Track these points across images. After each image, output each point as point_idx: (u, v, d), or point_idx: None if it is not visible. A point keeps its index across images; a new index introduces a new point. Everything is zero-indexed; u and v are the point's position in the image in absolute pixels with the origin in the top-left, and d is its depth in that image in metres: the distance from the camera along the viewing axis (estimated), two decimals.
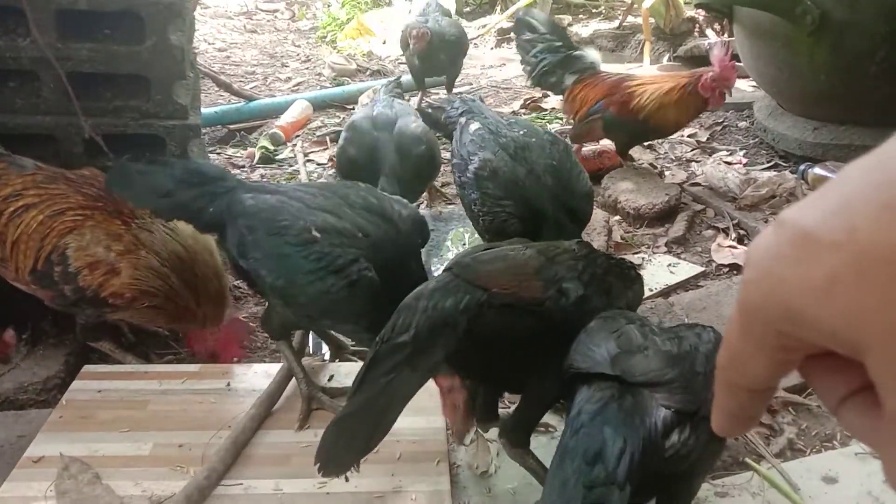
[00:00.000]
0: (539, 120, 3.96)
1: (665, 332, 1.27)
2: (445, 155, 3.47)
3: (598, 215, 2.57)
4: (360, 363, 1.85)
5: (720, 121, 3.76)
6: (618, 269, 1.49)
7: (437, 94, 4.53)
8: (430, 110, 2.55)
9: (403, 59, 5.49)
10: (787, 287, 0.35)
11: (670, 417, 1.12)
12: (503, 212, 1.92)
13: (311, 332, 1.99)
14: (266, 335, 1.98)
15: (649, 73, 3.05)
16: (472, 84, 4.84)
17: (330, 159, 3.41)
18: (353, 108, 4.16)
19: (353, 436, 1.24)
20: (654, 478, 1.15)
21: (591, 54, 3.13)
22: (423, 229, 1.67)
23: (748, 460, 1.58)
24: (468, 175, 2.01)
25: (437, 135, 3.12)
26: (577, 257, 1.42)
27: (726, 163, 3.29)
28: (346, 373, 1.86)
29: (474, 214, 2.02)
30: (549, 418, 1.65)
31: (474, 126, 2.11)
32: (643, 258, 2.50)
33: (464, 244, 2.65)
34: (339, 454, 1.23)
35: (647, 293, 2.26)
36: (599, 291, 1.39)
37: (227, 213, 1.60)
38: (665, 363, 1.17)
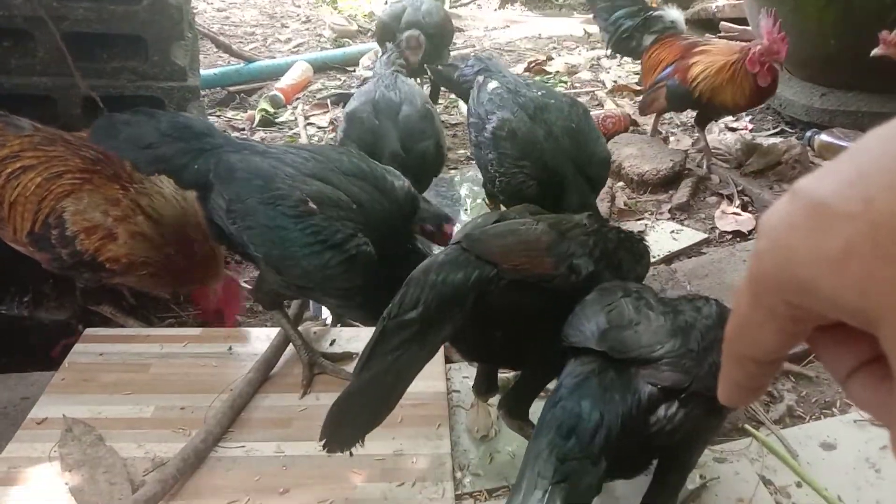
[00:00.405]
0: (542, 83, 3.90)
1: (663, 305, 1.24)
2: (453, 119, 3.44)
3: None
4: (362, 327, 1.87)
5: None
6: (628, 242, 1.46)
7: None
8: (441, 68, 2.49)
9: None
10: (801, 257, 0.35)
11: (655, 394, 1.10)
12: (521, 173, 1.90)
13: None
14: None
15: (719, 42, 2.77)
16: (474, 46, 4.77)
17: (331, 122, 3.37)
18: (354, 70, 4.11)
19: (358, 412, 1.22)
20: (644, 451, 1.16)
21: (672, 13, 2.93)
22: (414, 202, 1.63)
23: (747, 426, 1.59)
24: (485, 135, 1.98)
25: (444, 95, 3.03)
26: (589, 232, 1.39)
27: (731, 129, 3.26)
28: (347, 337, 1.87)
29: (490, 175, 1.99)
30: (551, 385, 1.66)
31: (493, 84, 2.07)
32: (646, 224, 2.49)
33: (465, 210, 2.63)
34: (344, 430, 1.21)
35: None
36: (610, 267, 1.37)
37: (213, 173, 1.56)
38: (655, 339, 1.15)
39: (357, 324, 1.92)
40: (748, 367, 0.42)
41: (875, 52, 2.53)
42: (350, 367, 1.69)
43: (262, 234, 1.49)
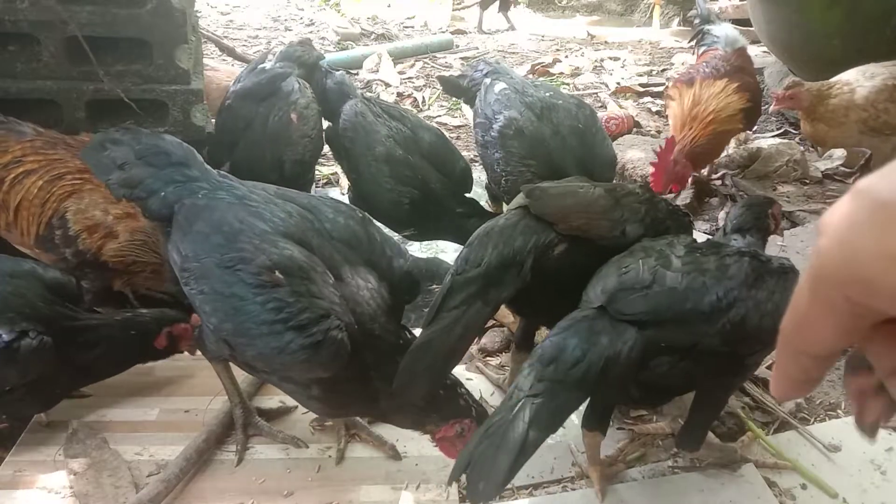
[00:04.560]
0: None
1: (687, 263, 1.26)
2: (456, 121, 3.44)
3: None
4: None
5: None
6: (675, 215, 1.54)
7: (444, 58, 4.47)
8: (451, 76, 2.50)
9: (407, 23, 5.45)
10: (865, 255, 0.35)
11: (655, 348, 1.19)
12: (528, 171, 1.91)
13: None
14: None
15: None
16: (478, 48, 4.77)
17: None
18: (358, 73, 4.11)
19: (429, 362, 1.27)
20: (656, 389, 1.26)
21: (718, 29, 2.79)
22: (413, 287, 1.39)
23: (752, 428, 1.59)
24: (492, 134, 2.00)
25: (447, 97, 3.00)
26: (641, 200, 1.47)
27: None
28: None
29: (496, 175, 2.01)
30: None
31: (500, 86, 2.09)
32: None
33: None
34: (416, 379, 1.27)
35: None
36: (656, 234, 1.44)
37: (177, 211, 1.35)
38: (662, 305, 1.22)
39: None
40: (803, 362, 0.43)
41: (772, 108, 2.57)
42: (286, 424, 1.61)
43: (214, 302, 1.25)
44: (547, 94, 2.06)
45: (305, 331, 1.18)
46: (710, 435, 1.50)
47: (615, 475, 1.47)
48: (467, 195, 2.07)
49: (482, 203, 2.28)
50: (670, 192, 2.46)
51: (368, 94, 2.22)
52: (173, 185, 1.37)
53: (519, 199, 1.47)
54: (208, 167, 1.45)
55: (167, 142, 1.47)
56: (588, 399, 1.26)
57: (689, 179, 2.47)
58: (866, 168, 2.65)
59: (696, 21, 2.98)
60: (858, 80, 2.41)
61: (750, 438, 1.54)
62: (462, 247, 1.42)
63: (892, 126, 2.38)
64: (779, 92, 2.50)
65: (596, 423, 1.38)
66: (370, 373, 1.27)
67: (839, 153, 2.86)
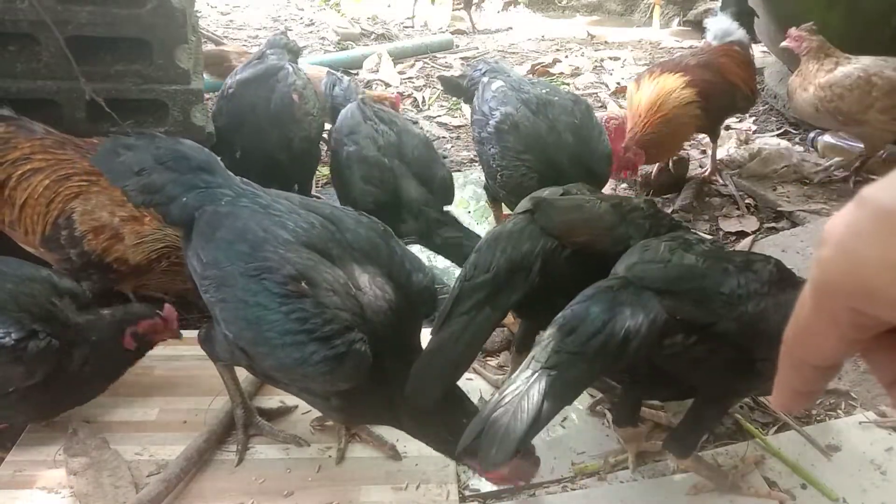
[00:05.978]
0: None
1: (709, 254, 1.30)
2: (456, 121, 3.44)
3: None
4: None
5: None
6: (678, 230, 1.53)
7: (444, 58, 4.47)
8: (450, 77, 2.52)
9: (407, 23, 5.46)
10: (869, 265, 0.35)
11: (671, 322, 1.18)
12: (523, 166, 1.92)
13: None
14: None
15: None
16: (478, 48, 4.77)
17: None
18: (357, 73, 4.11)
19: (439, 367, 1.29)
20: (665, 376, 1.26)
21: (714, 22, 2.80)
22: (432, 301, 1.39)
23: (751, 429, 1.59)
24: (488, 130, 2.02)
25: (447, 97, 3.01)
26: (646, 216, 1.48)
27: (734, 128, 3.25)
28: None
29: (492, 170, 2.02)
30: None
31: (497, 84, 2.11)
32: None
33: (469, 212, 2.63)
34: (426, 385, 1.28)
35: None
36: None
37: (197, 222, 1.34)
38: (681, 276, 1.23)
39: None
40: (805, 373, 0.42)
41: (783, 44, 2.62)
42: (286, 424, 1.61)
43: (236, 311, 1.25)
44: (543, 90, 2.08)
45: (329, 343, 1.19)
46: (708, 457, 1.49)
47: (650, 450, 1.53)
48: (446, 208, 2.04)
49: (481, 204, 2.29)
50: (622, 178, 2.53)
51: (366, 98, 2.25)
52: (195, 191, 1.36)
53: (525, 204, 1.48)
54: (231, 174, 1.44)
55: (187, 146, 1.46)
56: (605, 372, 1.26)
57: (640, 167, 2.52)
58: (860, 169, 2.64)
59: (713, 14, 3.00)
60: (846, 64, 2.45)
61: (746, 468, 1.48)
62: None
63: (843, 113, 2.41)
64: (794, 31, 2.54)
65: (626, 420, 1.45)
66: (389, 384, 1.28)
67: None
